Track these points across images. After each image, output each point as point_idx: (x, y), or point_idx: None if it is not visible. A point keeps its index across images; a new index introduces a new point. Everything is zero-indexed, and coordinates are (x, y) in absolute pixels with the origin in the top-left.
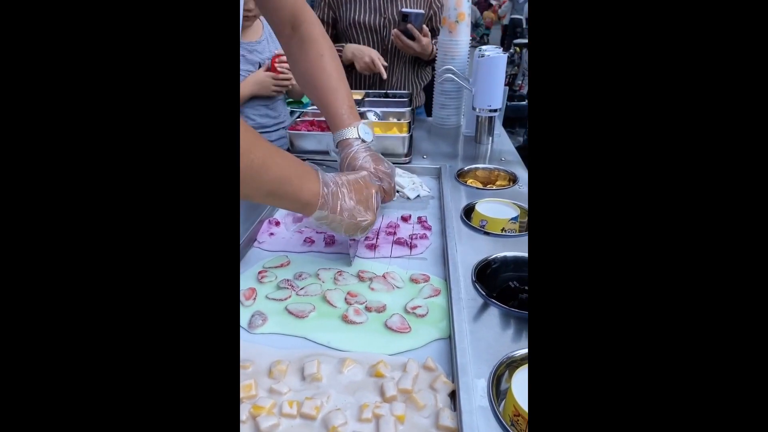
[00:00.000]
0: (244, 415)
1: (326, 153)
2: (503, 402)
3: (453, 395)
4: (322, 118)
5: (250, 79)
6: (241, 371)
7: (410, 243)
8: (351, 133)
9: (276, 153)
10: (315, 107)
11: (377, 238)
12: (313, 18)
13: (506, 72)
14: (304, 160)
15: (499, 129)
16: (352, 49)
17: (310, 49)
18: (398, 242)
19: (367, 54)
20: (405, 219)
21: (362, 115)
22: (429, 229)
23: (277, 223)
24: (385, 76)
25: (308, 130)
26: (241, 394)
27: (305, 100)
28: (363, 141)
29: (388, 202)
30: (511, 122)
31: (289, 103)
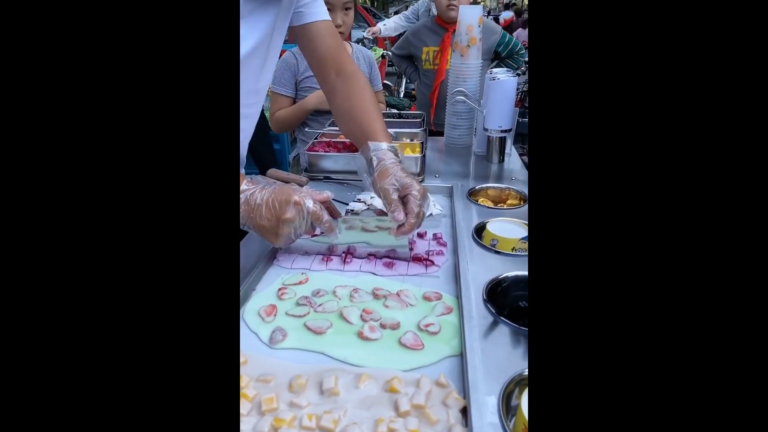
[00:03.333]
0: (266, 427)
1: (343, 173)
2: (513, 419)
3: (464, 411)
4: (339, 140)
5: (317, 93)
6: (264, 385)
7: (426, 260)
8: (383, 147)
9: None
10: (333, 128)
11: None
12: (357, 69)
13: (519, 89)
14: (321, 180)
15: (509, 149)
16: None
17: (354, 83)
18: (415, 259)
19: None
20: (421, 236)
21: None
22: (445, 245)
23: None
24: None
25: (326, 151)
26: (263, 407)
27: None
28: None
29: (418, 224)
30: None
31: None
